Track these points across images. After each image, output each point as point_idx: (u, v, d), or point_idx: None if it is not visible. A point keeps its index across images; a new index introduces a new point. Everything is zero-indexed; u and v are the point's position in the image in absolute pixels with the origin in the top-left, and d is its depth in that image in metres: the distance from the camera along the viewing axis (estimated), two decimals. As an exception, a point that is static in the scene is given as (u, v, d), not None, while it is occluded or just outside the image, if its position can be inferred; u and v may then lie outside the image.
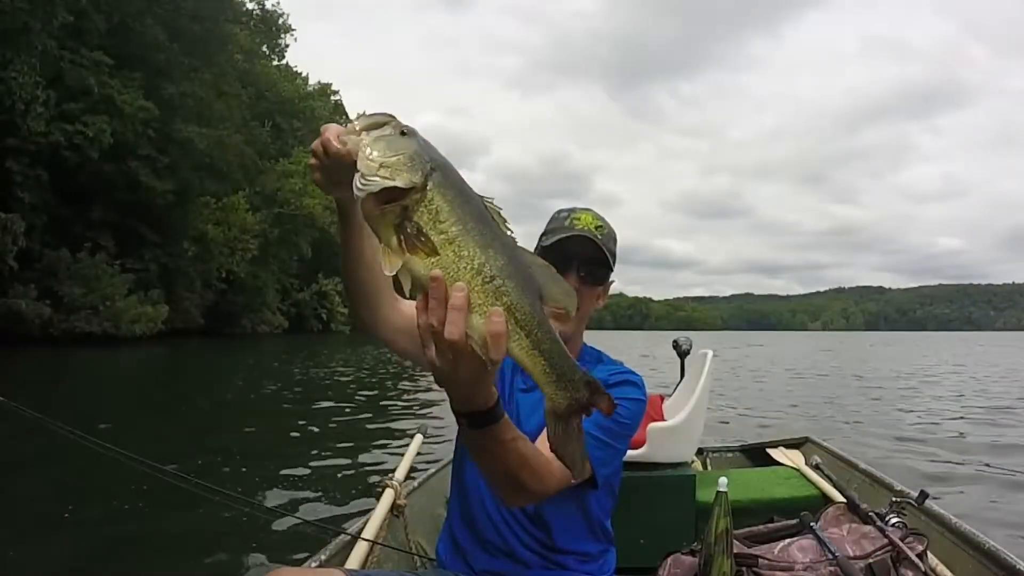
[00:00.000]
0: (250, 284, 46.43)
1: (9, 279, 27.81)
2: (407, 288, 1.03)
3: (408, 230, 0.98)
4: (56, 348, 26.48)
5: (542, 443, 1.37)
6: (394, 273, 1.00)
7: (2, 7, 23.04)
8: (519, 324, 1.01)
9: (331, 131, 1.10)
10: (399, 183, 0.97)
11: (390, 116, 1.04)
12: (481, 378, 1.09)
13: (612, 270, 1.85)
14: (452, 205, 1.00)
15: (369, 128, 1.03)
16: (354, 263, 1.49)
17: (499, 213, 1.07)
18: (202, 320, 41.13)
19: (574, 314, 1.09)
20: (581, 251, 1.76)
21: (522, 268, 1.03)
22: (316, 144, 1.14)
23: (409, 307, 1.65)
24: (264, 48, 55.42)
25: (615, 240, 1.89)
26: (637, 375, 1.79)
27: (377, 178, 0.98)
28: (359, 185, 0.99)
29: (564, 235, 1.77)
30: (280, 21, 51.94)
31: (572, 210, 1.88)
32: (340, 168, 1.07)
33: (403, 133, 1.02)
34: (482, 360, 1.02)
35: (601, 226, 1.84)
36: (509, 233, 1.06)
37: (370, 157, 0.99)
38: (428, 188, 0.99)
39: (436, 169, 1.01)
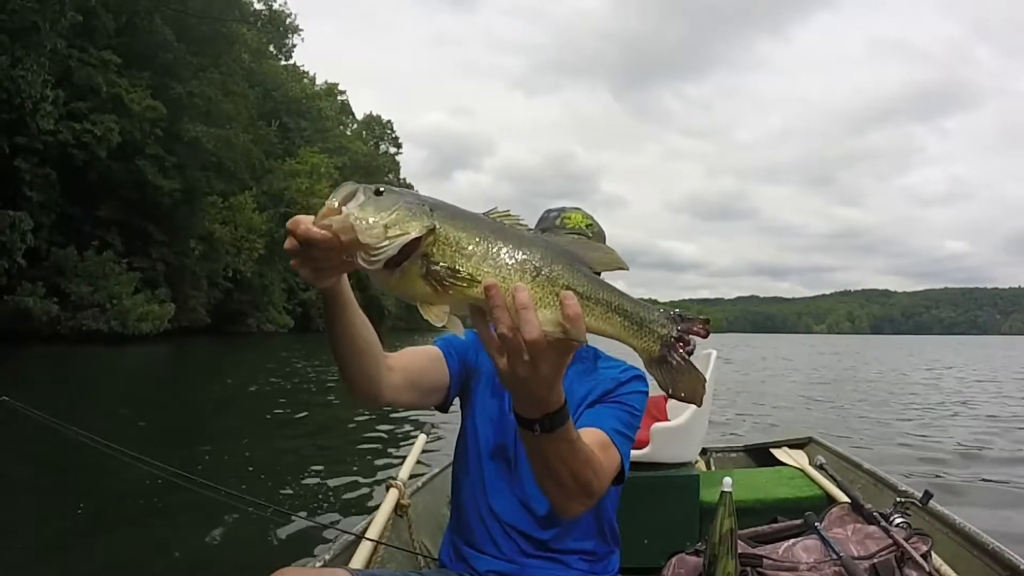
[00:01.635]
0: (256, 283, 46.48)
1: (17, 277, 27.89)
2: (462, 328, 1.04)
3: (440, 272, 0.98)
4: (63, 346, 26.55)
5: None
6: (445, 322, 1.00)
7: (11, 6, 23.11)
8: (584, 297, 1.01)
9: (303, 222, 1.02)
10: (414, 233, 0.97)
11: (354, 183, 1.01)
12: (560, 371, 1.09)
13: None
14: (466, 229, 1.00)
15: (345, 201, 0.98)
16: (349, 342, 1.45)
17: (508, 215, 1.07)
18: (208, 319, 41.13)
19: (627, 268, 1.12)
20: None
21: (560, 249, 1.04)
22: (291, 244, 1.04)
23: (398, 360, 1.66)
24: (271, 48, 55.53)
25: (605, 238, 1.91)
26: (642, 370, 1.79)
27: (387, 241, 0.96)
28: (370, 258, 0.97)
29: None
30: (287, 21, 51.96)
31: (562, 209, 1.90)
32: (328, 255, 1.02)
33: (378, 192, 0.99)
34: (561, 351, 1.04)
35: (591, 224, 1.87)
36: (526, 228, 1.07)
37: (370, 225, 0.96)
38: (438, 226, 0.99)
39: (434, 206, 1.01)
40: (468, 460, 1.84)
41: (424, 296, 1.00)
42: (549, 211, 1.93)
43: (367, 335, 1.48)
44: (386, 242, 0.96)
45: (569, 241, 1.09)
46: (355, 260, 0.99)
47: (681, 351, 1.08)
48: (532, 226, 1.83)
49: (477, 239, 1.00)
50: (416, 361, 1.73)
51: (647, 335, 1.06)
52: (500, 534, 1.74)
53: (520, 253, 1.01)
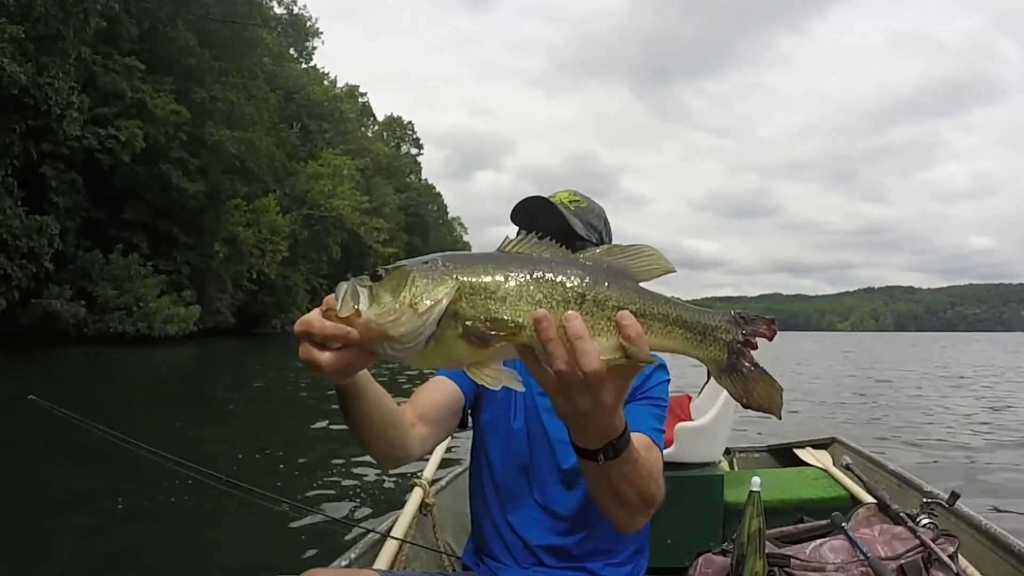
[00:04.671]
0: (280, 285, 46.80)
1: (44, 280, 28.28)
2: (519, 382, 0.94)
3: (478, 327, 0.89)
4: (90, 348, 26.88)
5: None
6: (502, 382, 0.92)
7: (36, 14, 23.42)
8: (639, 314, 0.93)
9: (316, 323, 0.92)
10: (446, 299, 0.88)
11: (344, 282, 0.92)
12: (622, 396, 1.01)
13: (597, 244, 1.71)
14: (490, 271, 0.91)
15: (355, 299, 0.89)
16: (374, 423, 1.37)
17: (522, 241, 0.97)
18: (233, 320, 41.50)
19: (675, 270, 1.01)
20: (542, 221, 1.57)
21: (599, 267, 0.95)
22: (317, 356, 0.94)
23: (415, 410, 1.61)
24: (292, 51, 55.88)
25: (598, 215, 1.79)
26: (661, 357, 1.71)
27: (420, 321, 0.88)
28: (406, 345, 0.89)
29: (524, 204, 1.68)
30: (308, 25, 52.32)
31: (552, 193, 1.79)
32: (359, 358, 0.95)
33: (376, 277, 0.91)
34: (624, 375, 0.96)
35: (577, 200, 1.76)
36: (550, 245, 0.97)
37: (398, 312, 0.88)
38: (460, 281, 0.90)
39: (446, 260, 0.92)
40: (481, 474, 1.82)
41: (467, 357, 0.91)
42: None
43: (388, 405, 1.40)
44: (419, 322, 0.87)
45: (605, 252, 0.98)
46: (383, 351, 0.91)
47: (750, 356, 0.99)
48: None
49: (506, 278, 0.91)
50: (430, 400, 1.67)
51: (712, 344, 0.97)
52: (519, 548, 1.72)
53: (558, 280, 0.92)
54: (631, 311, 0.92)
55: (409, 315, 0.87)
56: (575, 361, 0.90)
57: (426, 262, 0.92)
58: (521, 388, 0.95)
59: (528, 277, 0.91)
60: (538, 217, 1.63)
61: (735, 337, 0.98)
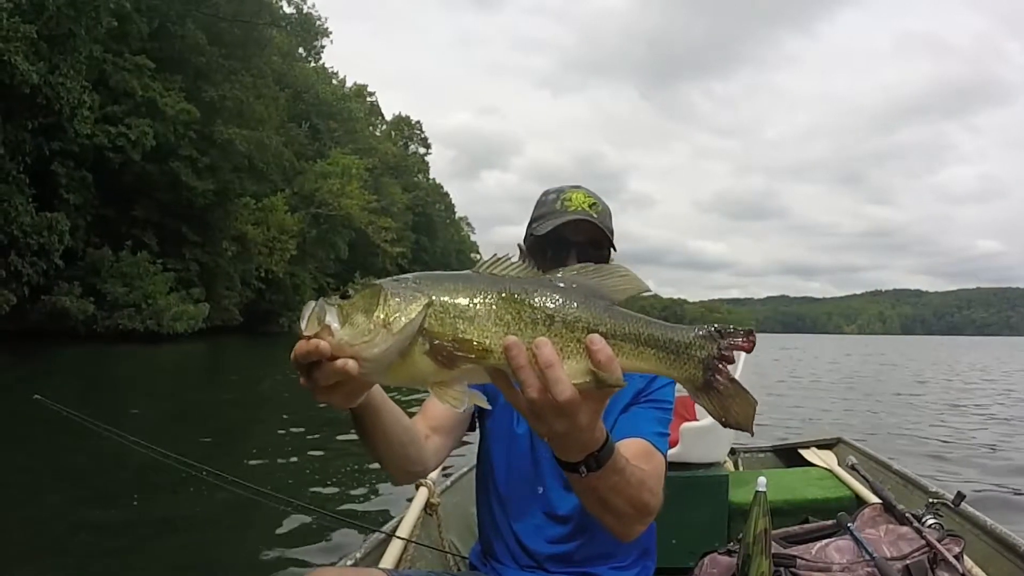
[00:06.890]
0: (288, 283, 46.90)
1: (54, 277, 28.44)
2: (485, 401, 0.94)
3: (446, 346, 0.87)
4: (99, 345, 26.93)
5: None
6: (466, 403, 0.90)
7: (49, 14, 23.53)
8: (610, 336, 0.90)
9: (299, 349, 0.89)
10: (419, 316, 0.86)
11: (312, 302, 0.90)
12: (599, 415, 0.99)
13: (613, 248, 1.72)
14: (460, 291, 0.89)
15: (322, 323, 0.87)
16: (392, 442, 1.36)
17: (497, 262, 0.95)
18: (241, 318, 41.56)
19: (649, 290, 0.98)
20: (578, 236, 1.65)
21: (569, 287, 0.93)
22: (308, 383, 0.93)
23: (427, 423, 1.60)
24: (300, 50, 55.91)
25: (610, 215, 1.77)
26: None
27: (393, 340, 0.86)
28: (381, 366, 0.87)
29: (558, 221, 1.66)
30: (317, 24, 52.30)
31: (560, 190, 1.76)
32: (357, 383, 0.93)
33: (345, 296, 0.89)
34: (598, 398, 0.93)
35: (595, 203, 1.73)
36: (525, 265, 0.95)
37: (371, 331, 0.86)
38: (431, 299, 0.88)
39: (418, 278, 0.91)
40: (486, 480, 1.81)
41: (433, 375, 0.89)
42: (547, 193, 1.77)
43: (404, 423, 1.40)
44: (392, 341, 0.85)
45: (577, 272, 0.96)
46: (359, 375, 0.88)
47: (726, 372, 0.96)
48: (534, 212, 1.77)
49: (475, 297, 0.89)
50: (441, 409, 1.64)
51: (687, 362, 0.94)
52: (522, 555, 1.71)
53: (528, 301, 0.89)
54: (601, 332, 0.90)
55: (383, 335, 0.86)
56: (547, 388, 0.88)
57: (397, 280, 0.91)
58: (487, 406, 0.94)
59: (497, 297, 0.89)
60: (568, 233, 1.65)
61: (711, 353, 0.95)
